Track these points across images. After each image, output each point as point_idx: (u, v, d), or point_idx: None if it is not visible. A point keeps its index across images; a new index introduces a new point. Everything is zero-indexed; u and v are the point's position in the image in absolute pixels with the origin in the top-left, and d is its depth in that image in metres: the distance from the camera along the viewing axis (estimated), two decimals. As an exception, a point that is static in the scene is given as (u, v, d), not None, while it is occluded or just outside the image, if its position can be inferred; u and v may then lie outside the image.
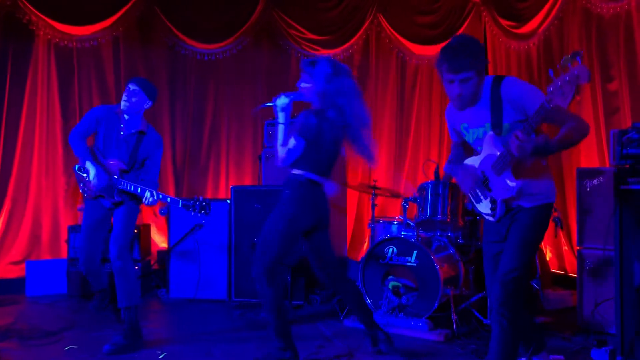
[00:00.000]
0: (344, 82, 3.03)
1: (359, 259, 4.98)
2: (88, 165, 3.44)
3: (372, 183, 4.59)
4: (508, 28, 5.68)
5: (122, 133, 3.49)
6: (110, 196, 3.44)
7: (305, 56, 5.76)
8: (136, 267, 4.88)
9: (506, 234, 2.53)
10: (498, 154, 2.41)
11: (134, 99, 3.44)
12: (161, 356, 3.31)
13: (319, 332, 3.82)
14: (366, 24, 5.84)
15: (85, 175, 3.50)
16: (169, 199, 3.36)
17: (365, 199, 5.76)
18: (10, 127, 5.16)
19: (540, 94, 2.27)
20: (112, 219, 3.55)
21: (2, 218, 5.14)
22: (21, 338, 3.62)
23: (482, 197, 2.58)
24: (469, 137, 2.60)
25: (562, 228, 4.51)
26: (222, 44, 5.61)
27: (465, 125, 2.58)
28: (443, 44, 4.95)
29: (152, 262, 5.20)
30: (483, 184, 2.54)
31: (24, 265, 4.99)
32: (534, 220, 2.47)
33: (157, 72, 5.64)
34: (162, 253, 5.23)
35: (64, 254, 5.16)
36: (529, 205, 2.47)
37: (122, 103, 3.45)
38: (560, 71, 2.07)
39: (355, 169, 5.84)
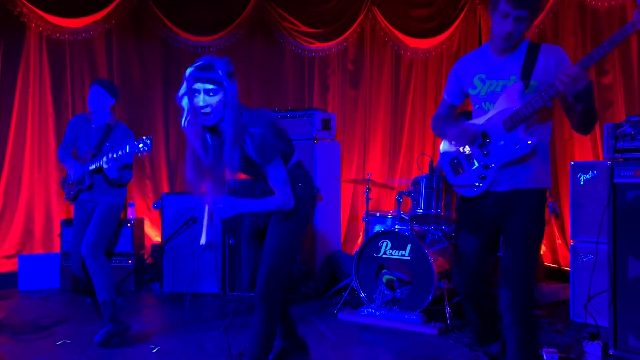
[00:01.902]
0: None
1: (353, 252, 4.98)
2: (68, 164, 3.72)
3: (367, 177, 4.58)
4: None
5: (93, 132, 3.74)
6: (82, 183, 3.67)
7: (300, 49, 5.74)
8: (130, 262, 4.86)
9: (497, 223, 2.41)
10: (518, 106, 2.27)
11: (95, 98, 3.70)
12: (154, 350, 3.30)
13: (313, 325, 3.82)
14: (361, 17, 5.81)
15: (68, 178, 3.77)
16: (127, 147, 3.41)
17: (359, 192, 5.75)
18: (1, 120, 5.12)
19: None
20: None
21: (-6, 212, 5.12)
22: (13, 332, 3.61)
23: (467, 164, 2.42)
24: (482, 90, 2.40)
25: (557, 217, 4.51)
26: (215, 37, 5.57)
27: (483, 76, 2.41)
28: (438, 37, 5.02)
29: (145, 256, 5.19)
30: (479, 145, 2.38)
31: (16, 260, 4.97)
32: (536, 215, 2.36)
33: (150, 64, 5.61)
34: (155, 247, 5.21)
35: (56, 248, 5.14)
36: (526, 186, 2.34)
37: (88, 102, 3.73)
38: None
39: (350, 163, 5.83)
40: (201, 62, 2.34)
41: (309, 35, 5.73)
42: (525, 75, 2.29)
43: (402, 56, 5.98)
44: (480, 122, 2.40)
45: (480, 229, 2.50)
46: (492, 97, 2.38)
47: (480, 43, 6.03)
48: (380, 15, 5.86)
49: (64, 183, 3.85)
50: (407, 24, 5.93)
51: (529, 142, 2.28)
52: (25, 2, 5.03)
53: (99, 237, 3.58)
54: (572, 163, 3.85)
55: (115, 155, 3.44)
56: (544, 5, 5.00)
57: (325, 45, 5.77)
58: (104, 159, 3.51)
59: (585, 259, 3.72)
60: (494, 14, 2.31)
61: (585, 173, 3.75)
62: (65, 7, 5.17)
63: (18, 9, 5.03)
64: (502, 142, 2.33)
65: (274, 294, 2.54)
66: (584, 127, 2.33)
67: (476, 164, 2.41)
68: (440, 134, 2.56)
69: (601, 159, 4.37)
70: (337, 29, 5.77)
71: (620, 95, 4.60)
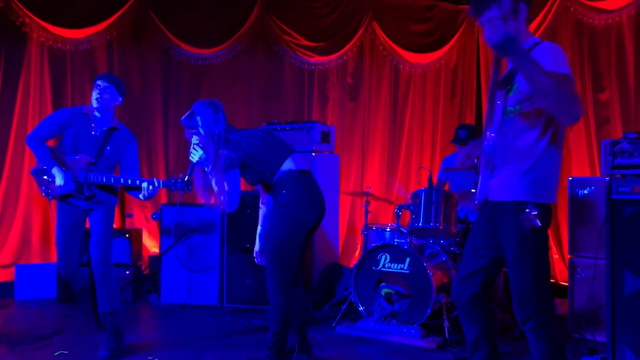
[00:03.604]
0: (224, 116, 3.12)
1: (352, 265, 4.98)
2: (54, 171, 3.33)
3: (366, 190, 4.60)
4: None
5: (93, 132, 3.44)
6: (80, 193, 3.37)
7: (300, 62, 5.78)
8: (127, 272, 4.85)
9: (493, 234, 2.33)
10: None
11: (105, 96, 3.40)
12: (152, 362, 3.29)
13: (311, 338, 3.81)
14: (360, 31, 5.87)
15: (46, 177, 3.43)
16: (157, 182, 3.33)
17: (358, 205, 5.77)
18: (1, 129, 5.12)
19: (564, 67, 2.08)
20: (89, 223, 3.49)
21: (-8, 221, 5.10)
22: (10, 343, 3.58)
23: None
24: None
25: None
26: (216, 49, 5.61)
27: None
28: (436, 52, 5.04)
29: (143, 267, 5.17)
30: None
31: (13, 269, 4.95)
32: (524, 237, 2.22)
33: (151, 76, 5.63)
34: (153, 258, 5.20)
35: (54, 258, 5.11)
36: (520, 198, 2.22)
37: (94, 101, 3.39)
38: None
39: (349, 176, 5.85)
40: (189, 112, 3.09)
41: (309, 48, 5.78)
42: (511, 76, 2.29)
43: (400, 70, 6.03)
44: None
45: (484, 232, 2.44)
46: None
47: (478, 58, 6.09)
48: (380, 30, 5.92)
49: (41, 179, 3.45)
50: (406, 38, 5.99)
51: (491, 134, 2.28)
52: (27, 12, 5.05)
53: (108, 242, 3.43)
54: (570, 179, 3.88)
55: (157, 185, 3.30)
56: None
57: (325, 58, 5.81)
58: (146, 185, 3.29)
59: (583, 274, 3.74)
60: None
61: (583, 188, 3.78)
62: (67, 18, 5.20)
63: (20, 19, 5.05)
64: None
65: (279, 276, 3.00)
66: (554, 107, 2.10)
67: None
68: None
69: (598, 174, 4.40)
70: (337, 42, 5.82)
71: (617, 112, 4.65)
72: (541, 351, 2.27)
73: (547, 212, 2.30)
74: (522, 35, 2.24)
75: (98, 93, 3.39)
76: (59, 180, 3.32)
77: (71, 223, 3.47)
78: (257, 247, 3.28)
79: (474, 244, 2.45)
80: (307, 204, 3.01)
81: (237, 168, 3.03)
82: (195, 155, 3.06)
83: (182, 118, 3.10)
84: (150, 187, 3.31)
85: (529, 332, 2.29)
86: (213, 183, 3.01)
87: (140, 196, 3.35)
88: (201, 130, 3.03)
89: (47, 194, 3.46)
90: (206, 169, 3.06)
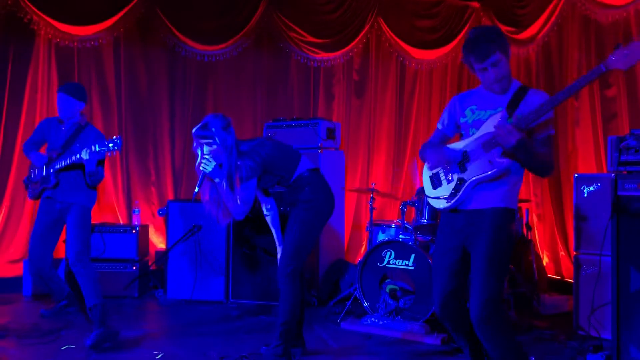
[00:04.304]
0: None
1: (356, 261, 4.99)
2: (32, 155, 3.76)
3: (371, 186, 4.60)
4: (507, 34, 5.70)
5: (62, 132, 3.77)
6: (47, 182, 3.67)
7: (306, 59, 5.79)
8: (134, 268, 4.88)
9: (465, 243, 2.50)
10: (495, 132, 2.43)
11: (63, 106, 3.73)
12: (158, 357, 3.31)
13: (316, 334, 3.83)
14: (366, 28, 5.86)
15: (31, 176, 3.81)
16: (94, 147, 3.44)
17: (363, 202, 5.77)
18: (10, 126, 5.17)
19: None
20: (65, 225, 3.71)
21: (0, 217, 5.14)
22: (18, 337, 3.62)
23: (444, 179, 2.57)
24: (470, 118, 2.58)
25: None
26: (222, 46, 5.62)
27: (474, 107, 2.60)
28: (443, 49, 5.06)
29: (150, 263, 5.21)
30: (459, 163, 2.54)
31: (21, 265, 4.99)
32: (498, 235, 2.43)
33: (157, 73, 5.66)
34: (160, 253, 5.23)
35: (61, 253, 5.14)
36: (490, 206, 2.45)
37: (58, 111, 3.77)
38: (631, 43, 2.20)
39: (354, 173, 5.85)
40: (201, 123, 3.12)
41: (314, 45, 5.78)
42: (511, 106, 2.47)
43: (406, 67, 6.01)
44: (461, 146, 2.57)
45: (453, 245, 2.56)
46: (477, 124, 2.56)
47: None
48: (386, 26, 5.90)
49: (27, 182, 3.85)
50: (412, 35, 5.98)
51: (503, 161, 2.43)
52: (35, 9, 5.09)
53: (83, 243, 3.62)
54: (576, 175, 3.87)
55: (96, 149, 3.44)
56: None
57: (331, 55, 5.81)
58: (85, 150, 3.47)
59: (588, 271, 3.73)
60: (475, 73, 2.53)
61: (588, 185, 3.77)
62: (74, 15, 5.23)
63: (28, 17, 5.09)
64: (478, 161, 2.49)
65: (295, 265, 3.15)
66: (534, 172, 2.58)
67: (454, 178, 2.56)
68: (422, 158, 2.70)
69: (604, 171, 4.38)
70: (343, 39, 5.82)
71: (624, 108, 4.62)
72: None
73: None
74: (509, 77, 2.52)
75: (57, 104, 3.76)
76: (34, 159, 3.73)
77: (47, 221, 3.74)
78: (280, 254, 3.37)
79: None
80: (328, 197, 3.28)
81: (256, 176, 3.12)
82: (209, 165, 3.08)
83: (195, 130, 3.12)
84: (87, 150, 3.44)
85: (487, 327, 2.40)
86: (223, 193, 3.10)
87: (85, 157, 3.47)
88: (217, 140, 3.06)
89: (30, 195, 3.84)
90: (216, 179, 3.11)
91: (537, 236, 5.40)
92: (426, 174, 2.69)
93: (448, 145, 2.63)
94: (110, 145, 3.44)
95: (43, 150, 3.87)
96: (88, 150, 3.47)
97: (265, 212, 3.40)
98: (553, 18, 5.20)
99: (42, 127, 3.89)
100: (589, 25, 4.94)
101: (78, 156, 3.50)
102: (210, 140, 3.07)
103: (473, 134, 2.55)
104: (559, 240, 5.16)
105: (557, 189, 5.22)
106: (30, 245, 3.77)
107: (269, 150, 3.17)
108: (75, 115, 3.77)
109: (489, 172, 2.44)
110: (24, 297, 4.84)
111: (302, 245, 3.16)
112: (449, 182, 2.56)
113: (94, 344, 3.37)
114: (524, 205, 5.02)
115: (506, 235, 2.46)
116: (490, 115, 2.50)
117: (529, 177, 5.45)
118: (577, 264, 3.80)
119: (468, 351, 2.67)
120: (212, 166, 3.07)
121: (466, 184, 2.49)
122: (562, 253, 5.13)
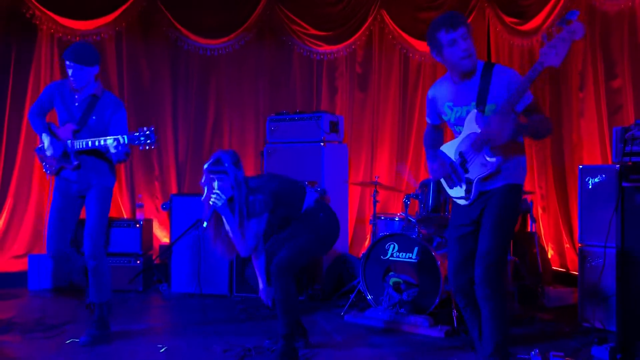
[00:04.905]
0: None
1: (360, 255, 4.98)
2: (43, 137, 3.42)
3: (374, 179, 4.59)
4: (511, 25, 5.66)
5: (76, 105, 3.46)
6: (68, 163, 3.40)
7: (308, 52, 5.76)
8: (138, 262, 4.89)
9: (478, 218, 2.63)
10: (479, 131, 2.52)
11: (76, 74, 3.36)
12: (162, 350, 3.32)
13: (320, 327, 3.83)
14: (369, 20, 5.82)
15: (44, 148, 3.45)
16: (122, 138, 3.23)
17: (367, 195, 5.75)
18: (13, 121, 5.19)
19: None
20: (85, 209, 3.49)
21: (4, 212, 5.17)
22: (23, 331, 3.64)
23: (456, 181, 2.67)
24: (451, 116, 2.67)
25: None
26: (224, 39, 5.60)
27: (450, 104, 2.66)
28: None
29: (154, 257, 5.22)
30: (460, 165, 2.63)
31: (26, 259, 5.02)
32: (505, 202, 2.58)
33: (160, 67, 5.65)
34: (164, 248, 5.24)
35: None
36: (500, 184, 2.58)
37: (70, 80, 3.41)
38: (555, 33, 2.22)
39: (358, 166, 5.84)
40: (212, 159, 3.12)
41: (317, 38, 5.75)
42: (481, 100, 2.52)
43: (410, 59, 5.97)
44: (454, 147, 2.66)
45: (466, 219, 2.69)
46: (460, 122, 2.64)
47: (489, 46, 6.01)
48: (389, 18, 5.86)
49: (42, 155, 3.51)
50: (416, 27, 5.92)
51: (493, 160, 2.51)
52: (37, 4, 5.09)
53: (101, 233, 3.44)
54: (581, 167, 3.84)
55: (125, 140, 3.22)
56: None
57: (334, 48, 5.78)
58: (111, 141, 3.23)
59: (593, 263, 3.71)
60: (443, 51, 2.54)
61: (593, 177, 3.74)
62: (76, 10, 5.23)
63: (30, 12, 5.09)
64: (474, 162, 2.59)
65: (299, 267, 3.26)
66: (536, 139, 2.71)
67: (461, 181, 2.66)
68: (427, 160, 2.84)
69: (610, 162, 4.35)
70: (346, 31, 5.78)
71: (630, 99, 4.57)
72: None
73: None
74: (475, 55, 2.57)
75: (70, 75, 3.38)
76: (46, 144, 3.39)
77: (65, 203, 3.48)
78: (261, 286, 3.43)
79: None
80: (338, 224, 3.43)
81: (268, 210, 3.15)
82: (220, 200, 3.07)
83: (208, 165, 3.12)
84: (115, 143, 3.23)
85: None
86: (230, 229, 3.12)
87: (112, 150, 3.25)
88: (229, 175, 3.07)
89: (47, 170, 3.52)
90: (226, 215, 3.11)
91: (542, 228, 5.38)
92: (440, 177, 2.77)
93: (445, 147, 2.73)
94: (142, 138, 3.22)
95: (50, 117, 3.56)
96: (115, 143, 3.22)
97: (255, 254, 3.36)
98: (558, 8, 5.14)
99: (51, 92, 3.50)
100: (594, 15, 4.88)
101: (102, 142, 3.27)
102: (223, 175, 3.08)
103: (460, 131, 2.64)
104: (563, 232, 5.14)
105: (561, 181, 5.19)
106: (48, 227, 3.49)
107: (278, 184, 3.23)
108: (89, 83, 3.43)
109: (486, 173, 2.55)
110: (29, 291, 4.86)
111: (306, 251, 3.24)
112: (459, 182, 2.66)
113: (88, 342, 3.34)
114: (528, 197, 4.99)
115: (513, 204, 2.61)
116: (467, 112, 2.57)
117: (533, 169, 5.42)
118: (582, 256, 3.78)
119: (476, 333, 2.74)
120: (223, 201, 3.07)
121: (474, 182, 2.60)
122: (567, 245, 5.11)
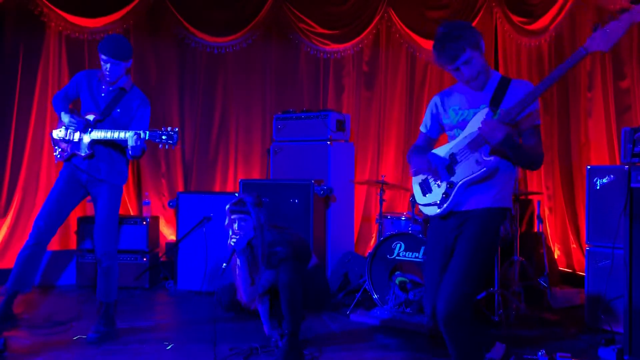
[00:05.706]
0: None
1: (366, 254, 4.98)
2: (62, 115, 3.40)
3: (381, 178, 4.58)
4: (519, 24, 5.64)
5: (103, 95, 3.45)
6: (80, 150, 3.36)
7: (316, 50, 5.76)
8: (144, 259, 4.91)
9: (453, 244, 2.42)
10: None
11: (113, 68, 3.35)
12: (168, 347, 3.33)
13: (325, 326, 3.83)
14: (376, 19, 5.81)
15: (61, 135, 3.43)
16: (143, 134, 3.21)
17: (373, 194, 5.75)
18: (21, 118, 5.20)
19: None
20: (93, 207, 3.47)
21: (13, 208, 5.19)
22: (30, 327, 3.65)
23: (434, 184, 2.49)
24: (454, 119, 2.52)
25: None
26: (231, 38, 5.61)
27: (457, 107, 2.53)
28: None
29: (160, 254, 5.23)
30: (447, 167, 2.46)
31: (33, 256, 5.03)
32: (484, 228, 2.37)
33: (167, 64, 5.67)
34: (170, 245, 5.26)
35: (73, 245, 5.20)
36: (481, 206, 2.39)
37: (104, 73, 3.39)
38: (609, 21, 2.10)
39: (364, 165, 5.83)
40: (235, 199, 3.21)
41: (324, 36, 5.75)
42: (495, 102, 2.39)
43: (417, 58, 5.96)
44: (447, 149, 2.51)
45: (443, 248, 2.48)
46: (462, 125, 2.48)
47: (496, 46, 5.99)
48: (396, 17, 5.85)
49: (57, 141, 3.46)
50: (423, 25, 5.91)
51: (490, 159, 2.34)
52: (45, 2, 5.11)
53: (113, 233, 3.43)
54: (589, 167, 3.82)
55: (145, 136, 3.19)
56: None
57: (341, 46, 5.78)
58: (131, 135, 3.18)
59: (600, 264, 3.69)
60: (450, 72, 2.45)
61: (601, 177, 3.72)
62: (84, 7, 5.25)
63: (39, 9, 5.11)
64: (466, 162, 2.42)
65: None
66: (524, 167, 2.57)
67: (443, 184, 2.47)
68: (409, 162, 2.64)
69: (618, 163, 4.33)
70: (353, 30, 5.78)
71: (639, 99, 4.55)
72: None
73: None
74: (486, 70, 2.44)
75: (107, 70, 3.36)
76: (66, 120, 3.37)
77: (67, 189, 3.41)
78: (267, 331, 3.46)
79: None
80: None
81: (291, 260, 3.18)
82: (241, 241, 3.15)
83: (230, 205, 3.18)
84: (135, 137, 3.19)
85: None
86: (242, 272, 3.20)
87: (130, 147, 3.22)
88: (252, 216, 3.14)
89: (58, 155, 3.46)
90: (243, 256, 3.19)
91: (549, 229, 5.36)
92: (416, 182, 2.61)
93: (434, 150, 2.58)
94: (164, 137, 3.20)
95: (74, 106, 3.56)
96: (135, 137, 3.17)
97: (260, 299, 3.42)
98: (566, 8, 5.13)
99: (79, 80, 3.48)
100: (602, 14, 4.86)
101: (123, 136, 3.22)
102: (245, 215, 3.14)
103: (459, 135, 2.49)
104: (570, 233, 5.12)
105: (569, 181, 5.17)
106: (42, 207, 3.41)
107: (288, 237, 3.27)
108: (121, 77, 3.43)
109: (478, 172, 2.36)
110: (36, 288, 4.88)
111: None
112: (439, 186, 2.48)
113: (96, 340, 3.36)
114: (535, 198, 4.98)
115: (492, 237, 2.40)
116: (475, 114, 2.42)
117: (540, 170, 5.39)
118: (589, 256, 3.76)
119: None
120: (244, 243, 3.15)
121: (456, 186, 2.40)
122: (574, 246, 5.09)
